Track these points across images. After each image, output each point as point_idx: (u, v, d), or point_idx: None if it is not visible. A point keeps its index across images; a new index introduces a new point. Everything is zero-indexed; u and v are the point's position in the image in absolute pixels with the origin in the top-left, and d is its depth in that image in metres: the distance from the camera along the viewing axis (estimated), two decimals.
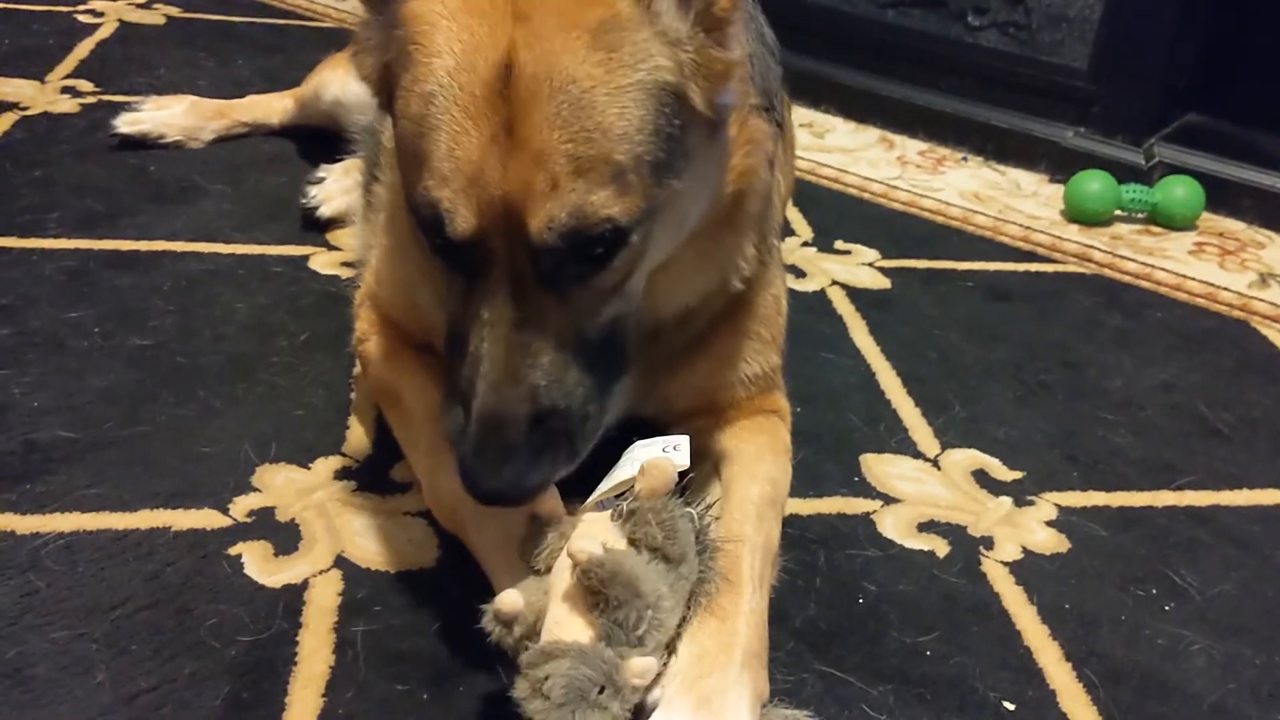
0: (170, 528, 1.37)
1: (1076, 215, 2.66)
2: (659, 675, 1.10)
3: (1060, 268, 2.43)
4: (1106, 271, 2.43)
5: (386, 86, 1.18)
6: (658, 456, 1.16)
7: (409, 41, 1.11)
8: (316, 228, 2.14)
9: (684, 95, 1.12)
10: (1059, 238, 2.56)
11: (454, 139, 1.07)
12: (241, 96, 2.61)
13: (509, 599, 1.11)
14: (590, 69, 1.06)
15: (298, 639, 1.24)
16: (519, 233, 1.07)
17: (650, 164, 1.10)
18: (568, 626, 1.07)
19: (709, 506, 1.29)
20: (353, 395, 1.67)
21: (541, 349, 1.12)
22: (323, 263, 2.04)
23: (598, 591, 1.06)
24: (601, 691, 1.02)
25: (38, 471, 1.44)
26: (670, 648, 1.13)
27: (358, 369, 1.68)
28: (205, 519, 1.40)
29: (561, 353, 1.13)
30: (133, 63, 2.87)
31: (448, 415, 1.16)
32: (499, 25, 1.07)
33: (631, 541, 1.11)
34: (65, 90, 2.65)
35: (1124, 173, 2.73)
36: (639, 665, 1.05)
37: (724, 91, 1.17)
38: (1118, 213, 2.69)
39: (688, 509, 1.18)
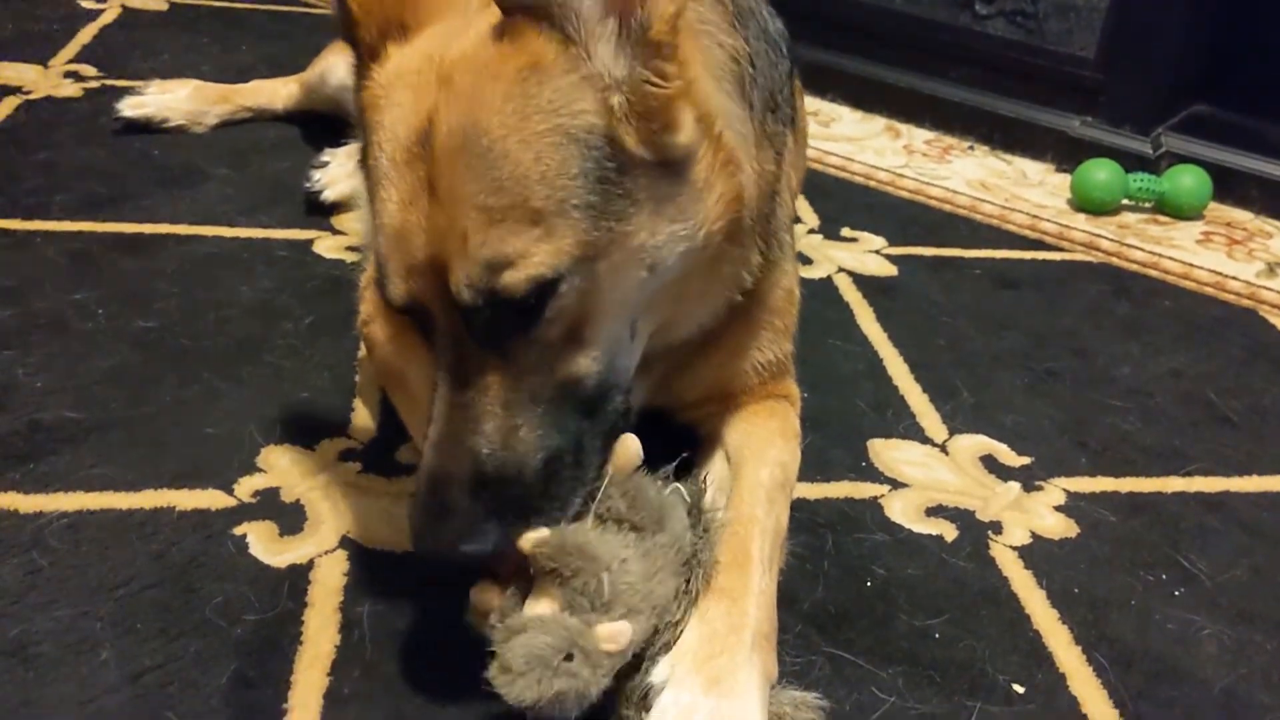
0: (175, 508, 1.37)
1: (1084, 204, 2.65)
2: (655, 646, 1.11)
3: (1068, 256, 2.43)
4: (1114, 260, 2.42)
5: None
6: (624, 435, 1.17)
7: (363, 126, 1.15)
8: (321, 212, 2.13)
9: (615, 139, 1.07)
10: (1066, 226, 2.55)
11: (384, 207, 1.09)
12: (245, 82, 2.61)
13: (483, 594, 1.12)
14: (504, 119, 1.04)
15: (303, 618, 1.23)
16: (447, 293, 1.06)
17: (579, 207, 1.05)
18: (535, 605, 1.08)
19: (703, 481, 1.29)
20: (358, 378, 1.67)
21: (484, 413, 1.09)
22: (327, 247, 2.03)
23: (552, 568, 1.07)
24: (569, 659, 1.03)
25: (42, 451, 1.43)
26: (665, 622, 1.13)
27: (363, 352, 1.68)
28: (210, 499, 1.39)
29: (510, 416, 1.09)
30: (136, 47, 2.86)
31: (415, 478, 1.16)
32: (424, 91, 1.07)
33: (598, 518, 1.12)
34: (68, 75, 2.64)
35: (1131, 162, 2.73)
36: (607, 630, 1.05)
37: (673, 130, 1.10)
38: (1125, 202, 2.68)
39: (675, 485, 1.19)
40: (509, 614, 1.08)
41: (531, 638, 1.03)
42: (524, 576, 1.11)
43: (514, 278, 1.03)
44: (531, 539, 1.07)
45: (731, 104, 1.24)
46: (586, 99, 1.06)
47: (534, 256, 1.03)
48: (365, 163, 1.16)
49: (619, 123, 1.07)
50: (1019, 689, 1.26)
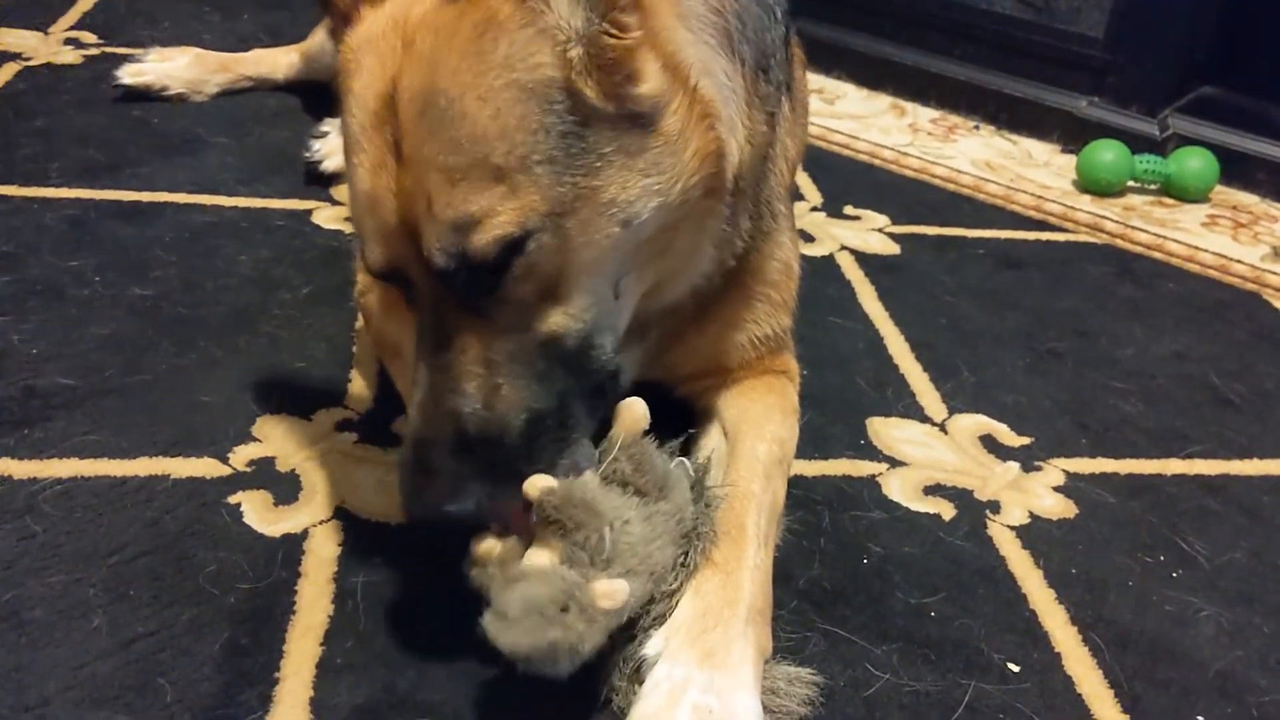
0: (170, 475, 1.36)
1: (1089, 185, 2.63)
2: (649, 615, 1.11)
3: (1072, 237, 2.41)
4: (1119, 242, 2.40)
5: None
6: (630, 399, 1.16)
7: (338, 93, 1.15)
8: (320, 182, 2.12)
9: (576, 92, 1.06)
10: (1071, 207, 2.53)
11: (356, 173, 1.09)
12: (246, 50, 2.58)
13: (483, 543, 1.12)
14: (460, 77, 1.03)
15: (297, 588, 1.23)
16: (421, 257, 1.06)
17: (542, 163, 1.04)
18: (535, 556, 1.08)
19: (708, 458, 1.29)
20: (355, 348, 1.66)
21: (464, 374, 1.09)
22: (326, 217, 2.02)
23: (555, 520, 1.07)
24: (565, 611, 1.02)
25: (37, 417, 1.43)
26: (661, 591, 1.13)
27: (359, 322, 1.67)
28: (205, 467, 1.38)
29: (491, 376, 1.09)
30: (137, 15, 2.84)
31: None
32: (388, 55, 1.07)
33: (604, 479, 1.12)
34: (68, 42, 2.62)
35: (1138, 143, 2.70)
36: (604, 586, 1.04)
37: (635, 81, 1.09)
38: (1131, 184, 2.66)
39: (681, 458, 1.19)
40: (508, 564, 1.08)
41: (529, 587, 1.03)
42: (523, 532, 1.11)
43: (481, 239, 1.03)
44: (538, 486, 1.07)
45: (714, 55, 1.22)
46: (544, 52, 1.05)
47: (499, 216, 1.03)
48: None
49: (578, 76, 1.06)
50: (1014, 668, 1.25)
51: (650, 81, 1.10)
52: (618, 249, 1.13)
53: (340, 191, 2.10)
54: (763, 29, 1.35)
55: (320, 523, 1.32)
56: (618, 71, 1.07)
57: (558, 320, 1.12)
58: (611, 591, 1.04)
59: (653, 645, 1.10)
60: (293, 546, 1.28)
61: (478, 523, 1.11)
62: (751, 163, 1.31)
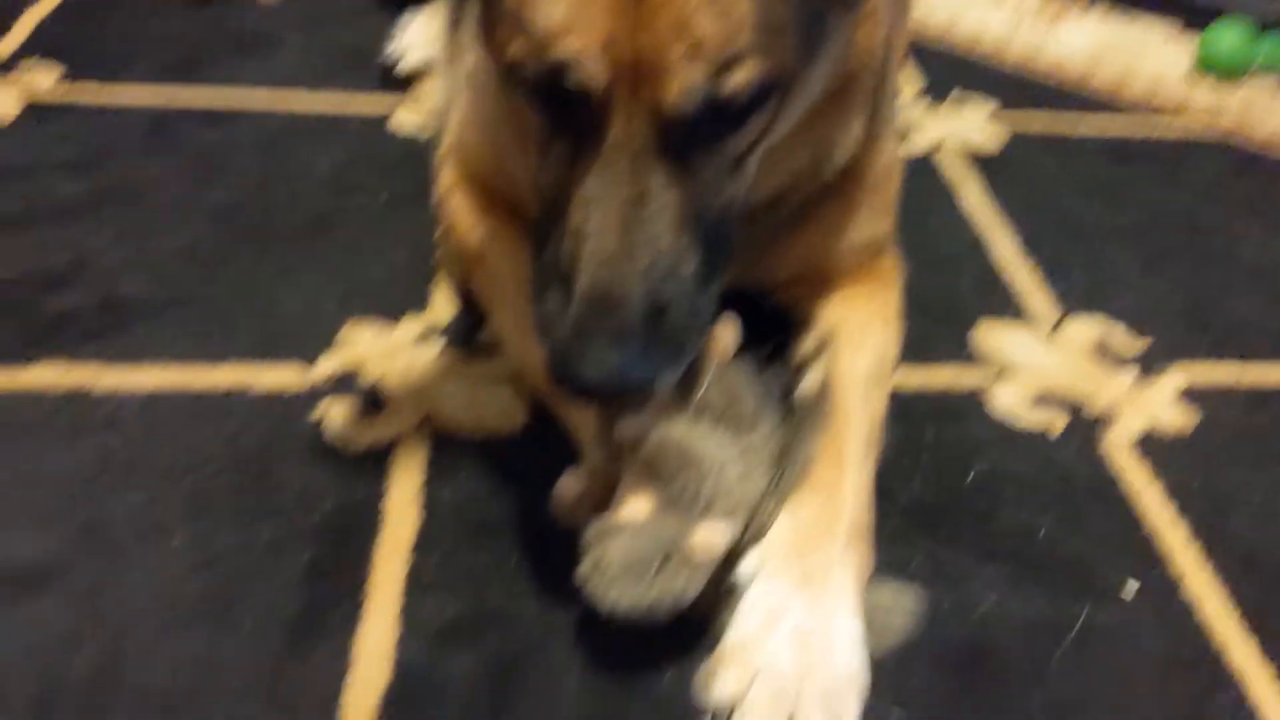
0: (250, 388, 1.33)
1: (1210, 70, 2.45)
2: (741, 545, 1.05)
3: (1188, 129, 2.26)
4: (1237, 135, 2.25)
5: None
6: (720, 322, 1.09)
7: None
8: (398, 81, 2.05)
9: None
10: (1188, 97, 2.36)
11: (578, 4, 0.94)
12: None
13: (568, 483, 1.07)
14: None
15: (382, 504, 1.20)
16: (650, 97, 0.95)
17: (794, 33, 0.99)
18: (628, 503, 1.03)
19: (801, 371, 1.22)
20: (437, 254, 1.61)
21: (661, 229, 0.99)
22: (404, 119, 1.96)
23: (651, 465, 1.02)
24: (665, 565, 0.98)
25: (116, 328, 1.41)
26: (755, 517, 1.07)
27: (441, 229, 1.61)
28: (286, 380, 1.35)
29: (680, 236, 1.00)
30: None
31: (541, 300, 1.02)
32: None
33: (695, 412, 1.06)
34: None
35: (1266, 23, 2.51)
36: (704, 535, 1.00)
37: None
38: (1255, 68, 2.47)
39: (769, 372, 1.13)
40: (597, 512, 1.04)
41: (626, 543, 0.98)
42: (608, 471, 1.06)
43: (739, 78, 0.95)
44: (633, 429, 1.02)
45: None
46: None
47: (759, 62, 0.96)
48: None
49: None
50: (1131, 590, 1.19)
51: None
52: (789, 126, 1.10)
53: (419, 91, 2.03)
54: None
55: (405, 436, 1.29)
56: None
57: (733, 190, 1.06)
58: (711, 541, 1.00)
59: (748, 566, 1.05)
60: (377, 460, 1.25)
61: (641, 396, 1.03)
62: (881, 57, 1.24)
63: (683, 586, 0.99)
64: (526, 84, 1.00)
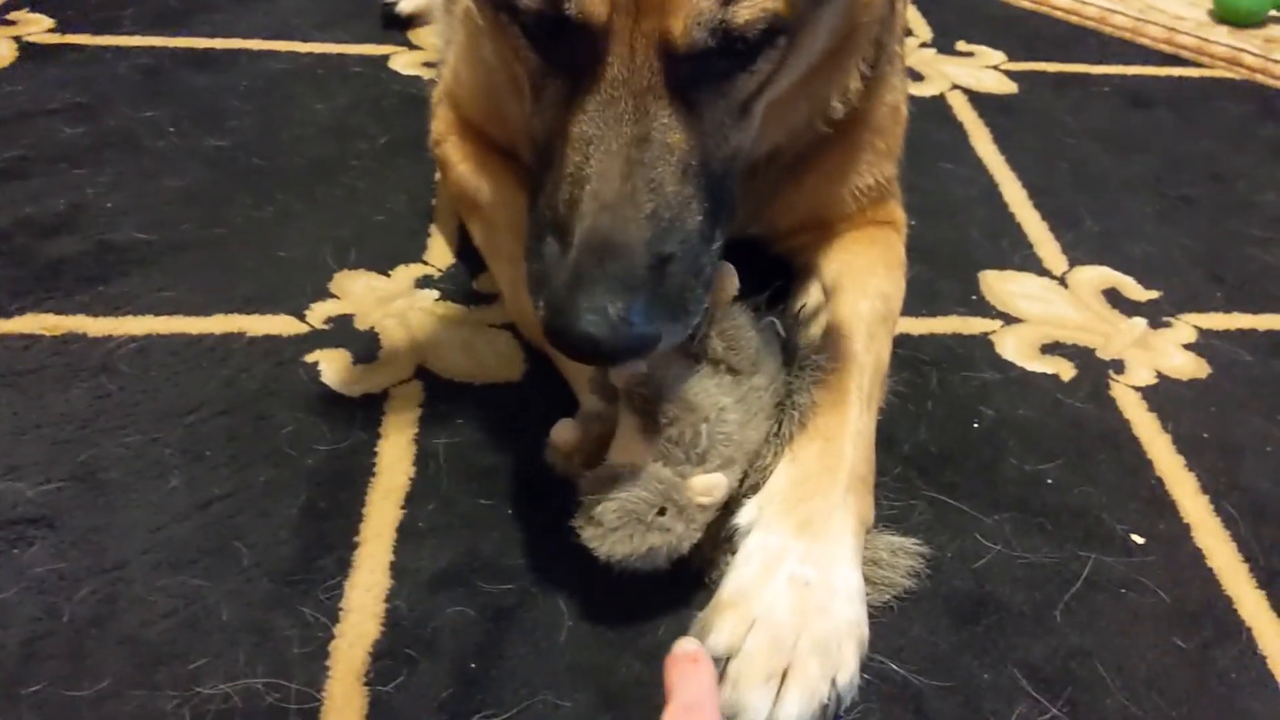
0: (246, 333, 1.32)
1: (1227, 15, 2.40)
2: (740, 493, 1.04)
3: (1207, 73, 2.22)
4: (1259, 77, 2.21)
5: None
6: (720, 266, 1.03)
7: None
8: (397, 25, 2.03)
9: None
10: (1206, 40, 2.31)
11: None
12: None
13: (563, 430, 1.05)
14: None
15: (377, 450, 1.18)
16: (655, 28, 0.90)
17: None
18: (624, 450, 1.00)
19: (801, 316, 1.21)
20: (435, 201, 1.58)
21: (665, 174, 0.93)
22: (404, 63, 1.93)
23: (648, 410, 0.99)
24: (662, 513, 0.97)
25: (112, 273, 1.39)
26: (755, 465, 1.05)
27: (439, 174, 1.59)
28: (282, 325, 1.34)
29: (684, 184, 0.94)
30: None
31: (535, 251, 0.96)
32: None
33: (694, 356, 1.02)
34: None
35: None
36: (702, 483, 0.98)
37: None
38: (1273, 13, 2.42)
39: (769, 319, 1.09)
40: (593, 459, 1.02)
41: (624, 492, 0.96)
42: (605, 416, 1.04)
43: (748, 11, 0.90)
44: (628, 376, 0.98)
45: None
46: None
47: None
48: None
49: None
50: (1139, 539, 1.16)
51: None
52: (795, 76, 1.06)
53: (418, 35, 2.00)
54: None
55: (401, 382, 1.27)
56: None
57: (739, 138, 1.01)
58: (710, 488, 0.98)
59: (746, 514, 1.03)
60: (372, 407, 1.23)
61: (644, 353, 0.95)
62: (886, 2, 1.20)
63: (680, 535, 0.98)
64: (521, 15, 0.94)
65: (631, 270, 0.90)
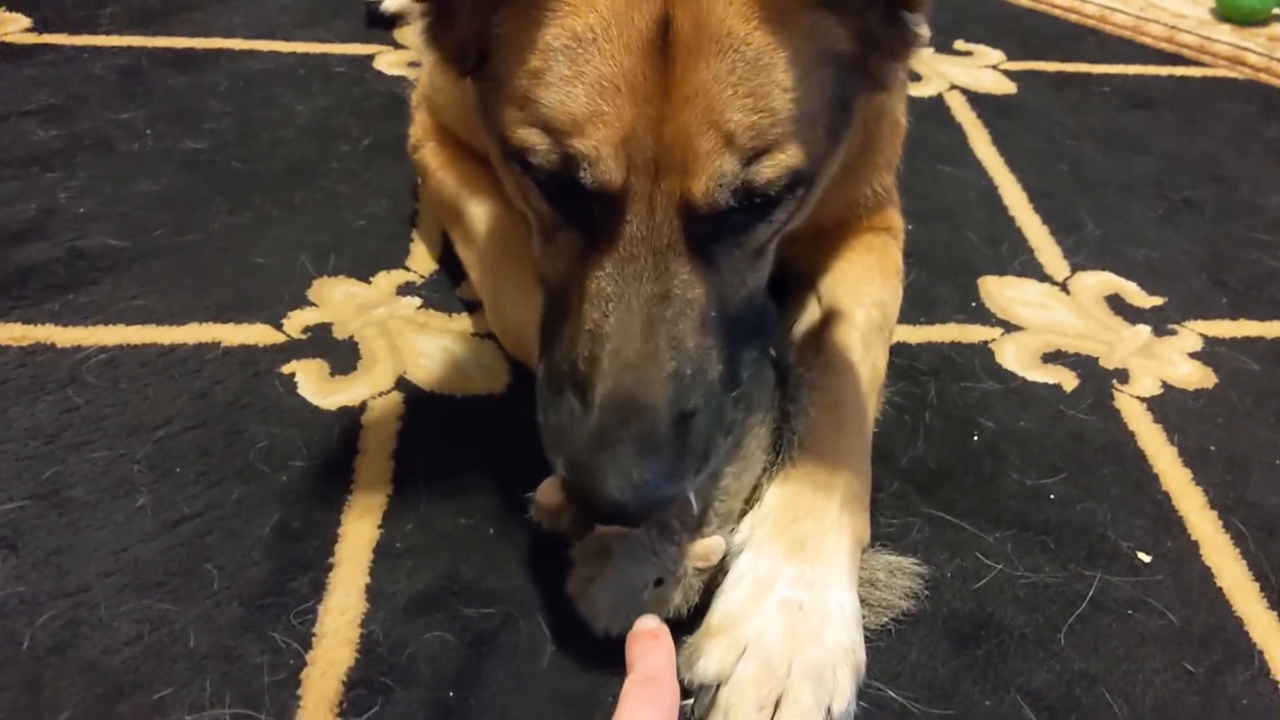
0: (220, 343, 1.27)
1: (1229, 13, 2.37)
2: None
3: (1209, 72, 2.18)
4: (1263, 76, 2.18)
5: (479, 48, 0.99)
6: None
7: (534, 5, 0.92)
8: (381, 24, 1.99)
9: (864, 68, 0.98)
10: (1209, 39, 2.28)
11: (600, 93, 0.88)
12: None
13: (548, 489, 0.99)
14: (761, 35, 0.89)
15: (354, 466, 1.14)
16: (675, 189, 0.89)
17: (823, 126, 0.94)
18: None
19: (792, 331, 1.18)
20: (417, 205, 1.54)
21: (686, 330, 0.92)
22: (388, 63, 1.89)
23: None
24: (659, 583, 0.95)
25: (82, 281, 1.35)
26: (753, 498, 1.02)
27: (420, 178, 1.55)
28: (257, 334, 1.29)
29: (704, 336, 0.93)
30: None
31: (553, 402, 0.95)
32: None
33: None
34: None
35: None
36: (701, 548, 0.96)
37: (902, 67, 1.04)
38: (1276, 11, 2.39)
39: (759, 353, 1.07)
40: (581, 529, 0.98)
41: (616, 570, 0.94)
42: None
43: (770, 169, 0.89)
44: None
45: None
46: (844, 37, 0.95)
47: (790, 152, 0.90)
48: (517, 43, 0.94)
49: (870, 54, 0.98)
50: (1145, 557, 1.12)
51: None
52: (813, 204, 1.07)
53: (403, 34, 1.96)
54: None
55: (380, 395, 1.23)
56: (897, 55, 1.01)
57: (756, 279, 1.01)
58: (708, 552, 0.96)
59: (737, 535, 0.99)
60: (350, 420, 1.19)
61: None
62: None
63: (677, 605, 0.96)
64: (534, 172, 0.93)
65: (655, 431, 0.89)
